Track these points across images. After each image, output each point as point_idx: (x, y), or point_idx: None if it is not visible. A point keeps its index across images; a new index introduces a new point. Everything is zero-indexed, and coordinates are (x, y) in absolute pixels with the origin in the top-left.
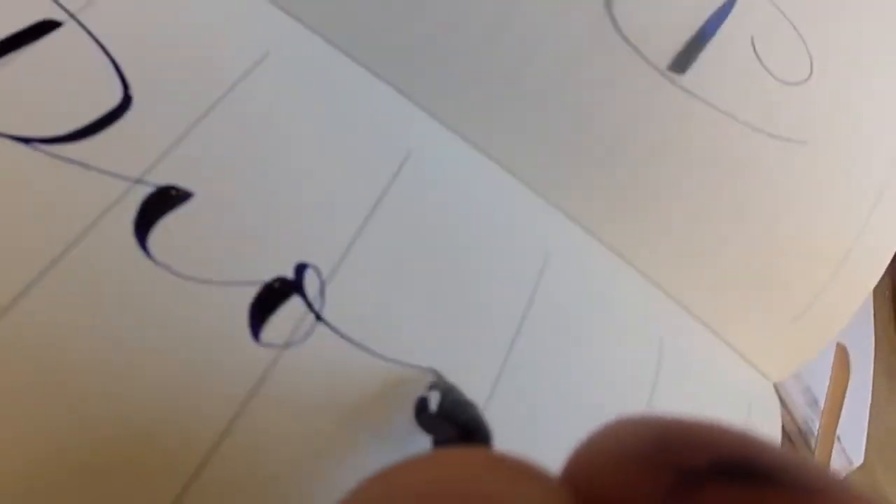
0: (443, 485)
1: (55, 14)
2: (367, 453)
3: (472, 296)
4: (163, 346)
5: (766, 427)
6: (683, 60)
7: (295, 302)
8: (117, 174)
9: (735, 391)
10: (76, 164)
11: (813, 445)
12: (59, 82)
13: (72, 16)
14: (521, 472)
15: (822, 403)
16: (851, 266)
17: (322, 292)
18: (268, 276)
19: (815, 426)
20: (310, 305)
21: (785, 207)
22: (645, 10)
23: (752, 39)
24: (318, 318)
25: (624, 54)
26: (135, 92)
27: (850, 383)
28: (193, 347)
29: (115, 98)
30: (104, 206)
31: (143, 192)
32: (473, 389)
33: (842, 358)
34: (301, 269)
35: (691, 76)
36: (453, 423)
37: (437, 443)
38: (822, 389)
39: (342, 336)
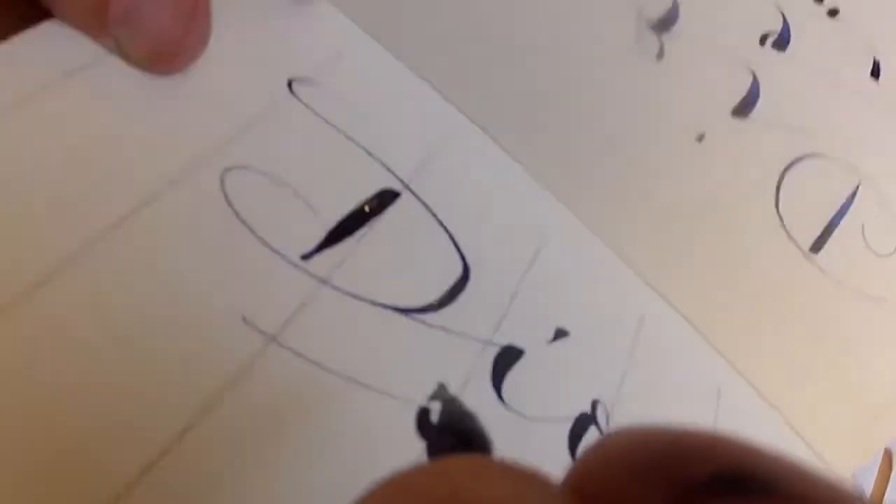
0: (453, 494)
1: (392, 184)
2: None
3: None
4: None
5: None
6: (820, 243)
7: (592, 432)
8: (474, 337)
9: None
10: (442, 330)
11: None
12: (412, 253)
13: (406, 186)
14: (528, 480)
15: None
16: None
17: (608, 422)
18: (575, 412)
19: None
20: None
21: (877, 351)
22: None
23: (863, 226)
24: None
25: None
26: (470, 262)
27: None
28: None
29: (458, 267)
30: (469, 365)
31: (493, 351)
32: None
33: (887, 459)
34: (594, 404)
35: (822, 256)
36: (454, 433)
37: (433, 453)
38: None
39: None
